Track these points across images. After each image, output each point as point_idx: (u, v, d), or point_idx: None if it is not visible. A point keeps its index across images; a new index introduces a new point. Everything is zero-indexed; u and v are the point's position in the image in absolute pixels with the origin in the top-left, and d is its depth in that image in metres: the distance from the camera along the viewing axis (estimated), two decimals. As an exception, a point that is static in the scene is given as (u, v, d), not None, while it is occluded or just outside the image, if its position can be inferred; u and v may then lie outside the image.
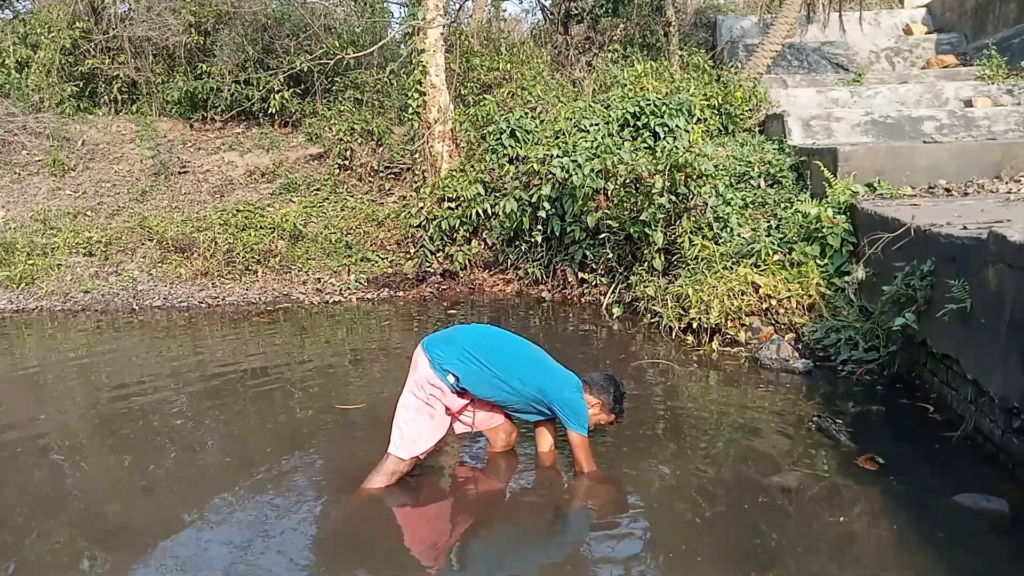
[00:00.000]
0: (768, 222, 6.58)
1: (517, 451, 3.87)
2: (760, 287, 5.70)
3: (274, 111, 11.13)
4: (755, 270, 5.86)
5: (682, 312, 5.97)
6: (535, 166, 7.77)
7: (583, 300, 7.50)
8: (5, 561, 3.02)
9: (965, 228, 3.95)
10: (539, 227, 7.79)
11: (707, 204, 6.60)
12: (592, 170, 7.04)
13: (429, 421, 3.43)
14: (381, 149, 10.29)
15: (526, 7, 31.58)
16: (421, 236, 8.77)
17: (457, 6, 13.32)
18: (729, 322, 5.67)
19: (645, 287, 6.54)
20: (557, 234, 7.67)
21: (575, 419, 3.41)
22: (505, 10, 24.41)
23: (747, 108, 8.75)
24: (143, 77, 12.00)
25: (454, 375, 3.37)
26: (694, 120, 8.18)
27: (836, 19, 10.57)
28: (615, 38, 12.02)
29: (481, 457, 3.89)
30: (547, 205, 7.57)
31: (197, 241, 8.75)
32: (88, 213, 9.74)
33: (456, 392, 3.44)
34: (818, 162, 6.50)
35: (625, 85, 8.92)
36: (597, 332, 6.52)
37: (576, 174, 7.11)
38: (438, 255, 8.72)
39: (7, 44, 11.64)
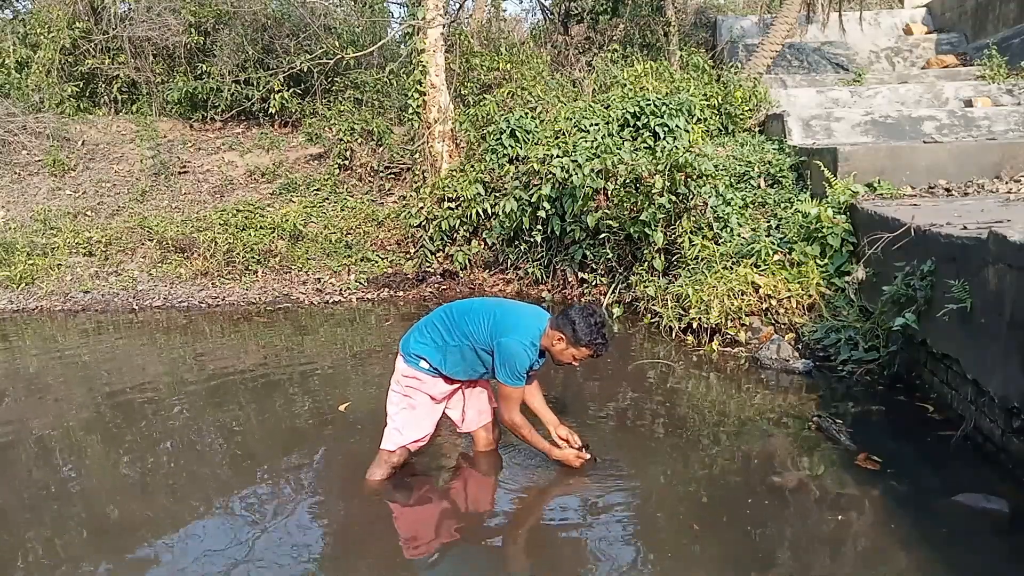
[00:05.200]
0: (768, 222, 6.57)
1: (520, 451, 3.87)
2: (760, 287, 5.69)
3: (274, 111, 11.13)
4: (755, 270, 5.86)
5: (682, 312, 5.96)
6: (535, 166, 7.77)
7: (583, 300, 7.48)
8: (5, 561, 3.02)
9: (965, 228, 3.95)
10: (539, 227, 7.78)
11: (707, 204, 6.59)
12: (592, 170, 7.04)
13: (410, 412, 3.51)
14: (381, 149, 10.28)
15: (526, 7, 31.61)
16: (421, 236, 8.76)
17: (457, 6, 13.30)
18: (729, 322, 5.66)
19: (645, 287, 6.54)
20: (557, 234, 7.66)
21: (501, 368, 3.32)
22: (505, 10, 24.46)
23: (747, 108, 8.74)
24: (143, 77, 12.00)
25: (424, 359, 3.43)
26: (694, 120, 8.17)
27: (836, 19, 10.56)
28: (615, 38, 12.00)
29: (476, 458, 3.88)
30: (547, 205, 7.55)
31: (197, 241, 8.75)
32: (88, 213, 9.74)
33: (434, 376, 3.47)
34: (818, 162, 6.50)
35: (625, 85, 8.92)
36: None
37: (576, 174, 7.10)
38: (438, 255, 8.71)
39: (7, 44, 11.65)
